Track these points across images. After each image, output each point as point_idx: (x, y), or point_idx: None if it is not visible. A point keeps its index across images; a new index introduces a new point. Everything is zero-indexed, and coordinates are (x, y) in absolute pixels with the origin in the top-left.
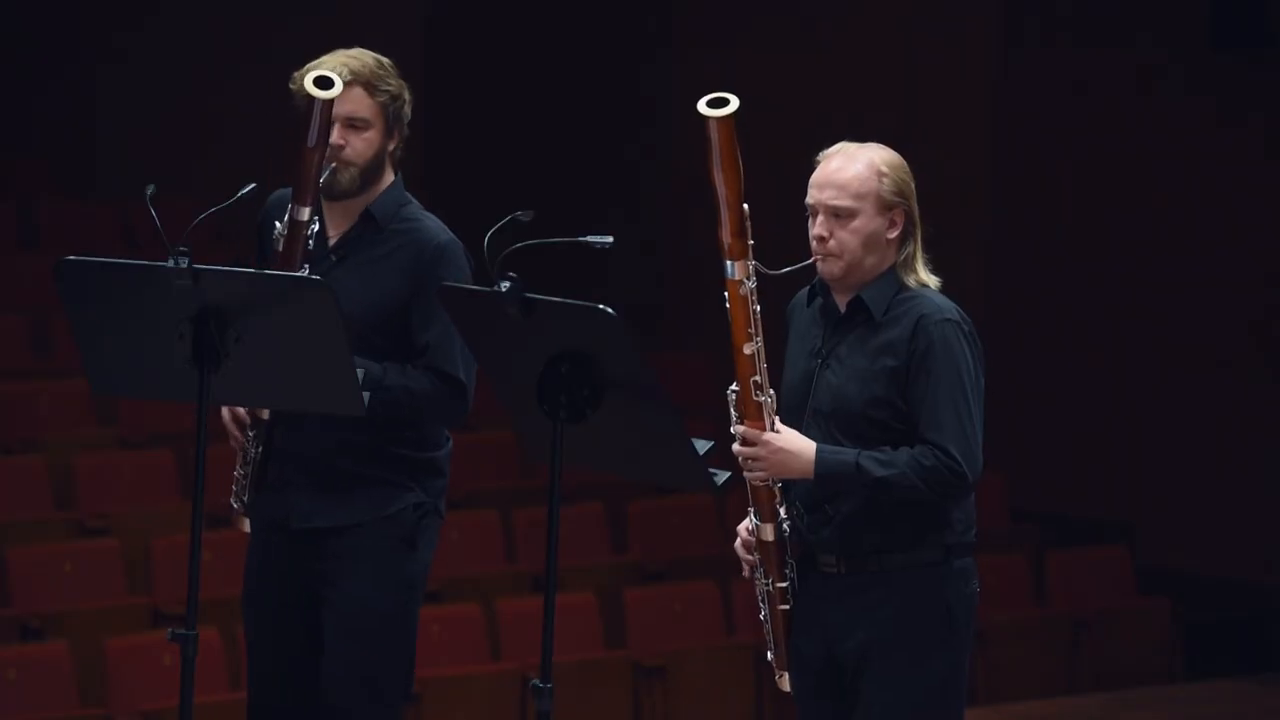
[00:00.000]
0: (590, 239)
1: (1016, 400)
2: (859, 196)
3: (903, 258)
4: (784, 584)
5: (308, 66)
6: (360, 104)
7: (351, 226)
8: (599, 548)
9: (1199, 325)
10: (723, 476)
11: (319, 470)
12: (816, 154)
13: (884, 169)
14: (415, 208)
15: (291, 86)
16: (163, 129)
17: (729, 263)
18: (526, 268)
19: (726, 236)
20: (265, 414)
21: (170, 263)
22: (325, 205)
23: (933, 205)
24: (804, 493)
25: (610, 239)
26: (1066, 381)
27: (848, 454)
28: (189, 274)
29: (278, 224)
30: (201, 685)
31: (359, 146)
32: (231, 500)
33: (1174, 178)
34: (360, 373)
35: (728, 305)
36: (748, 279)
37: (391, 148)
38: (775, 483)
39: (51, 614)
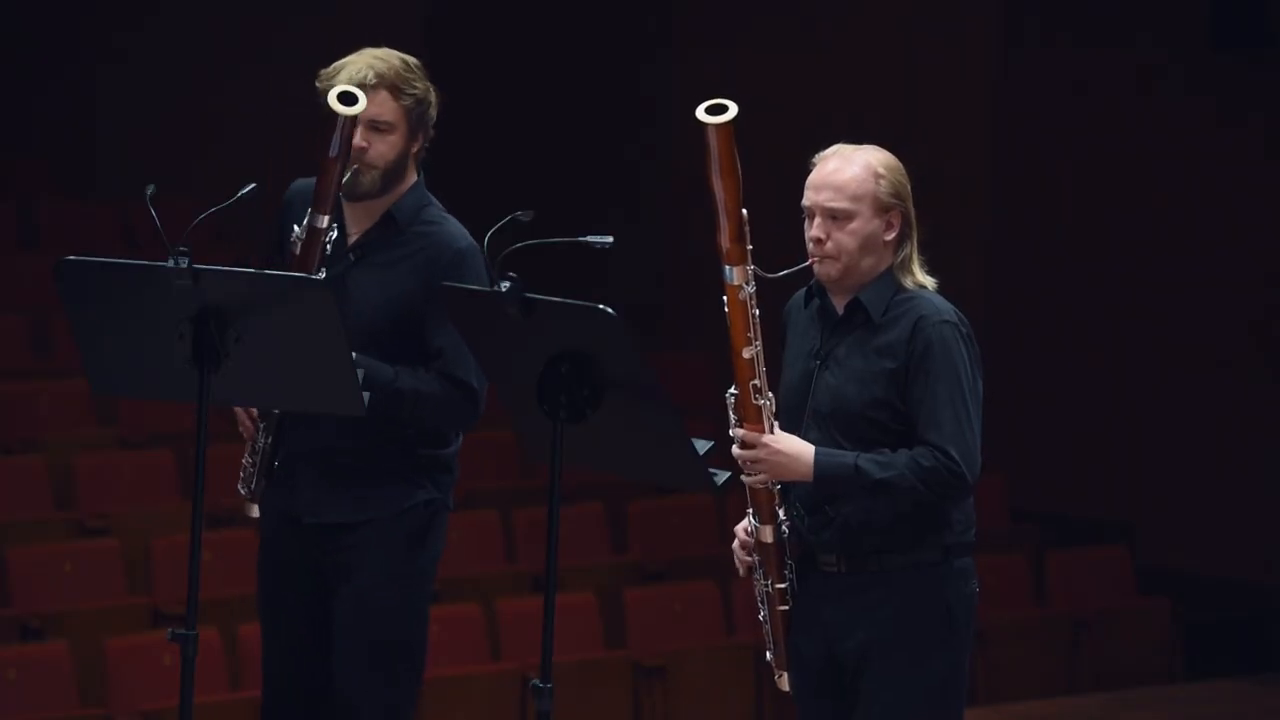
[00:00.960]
0: (590, 239)
1: (1016, 400)
2: (856, 198)
3: (900, 259)
4: (783, 585)
5: (335, 66)
6: (385, 107)
7: (372, 227)
8: (599, 548)
9: (1199, 325)
10: (723, 476)
11: (330, 465)
12: (815, 155)
13: (881, 171)
14: (436, 210)
15: (318, 85)
16: (163, 129)
17: (728, 268)
18: (526, 268)
19: (725, 242)
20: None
21: (170, 263)
22: (346, 205)
23: (933, 205)
24: (804, 494)
25: (610, 239)
26: (1066, 381)
27: (846, 456)
28: (189, 274)
29: (296, 227)
30: (201, 685)
31: (382, 149)
32: (239, 486)
33: (1174, 178)
34: (360, 373)
35: (726, 310)
36: (747, 284)
37: (415, 149)
38: (774, 485)
39: (51, 614)
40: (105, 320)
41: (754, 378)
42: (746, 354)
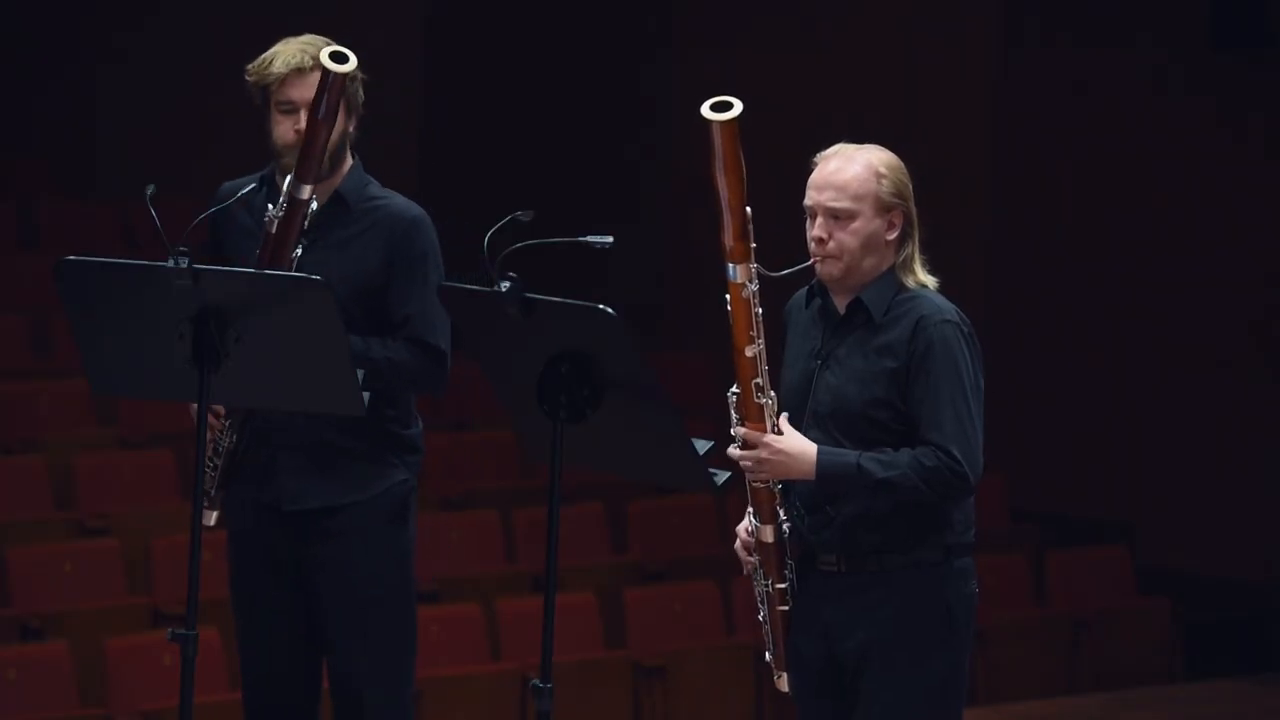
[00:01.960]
0: (590, 239)
1: (1016, 400)
2: (858, 198)
3: (901, 258)
4: (783, 585)
5: (264, 56)
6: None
7: (320, 209)
8: (599, 548)
9: (1199, 325)
10: (723, 476)
11: (307, 450)
12: (816, 155)
13: (882, 170)
14: (377, 186)
15: (249, 77)
16: (163, 129)
17: (731, 266)
18: (526, 268)
19: (729, 240)
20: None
21: (170, 263)
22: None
23: (933, 205)
24: (805, 494)
25: (610, 239)
26: (1066, 381)
27: (849, 456)
28: (189, 274)
29: (270, 206)
30: (201, 685)
31: None
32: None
33: (1174, 178)
34: (360, 373)
35: (729, 308)
36: (750, 282)
37: (351, 129)
38: (775, 484)
39: (51, 614)
40: (105, 320)
41: (756, 376)
42: (749, 352)
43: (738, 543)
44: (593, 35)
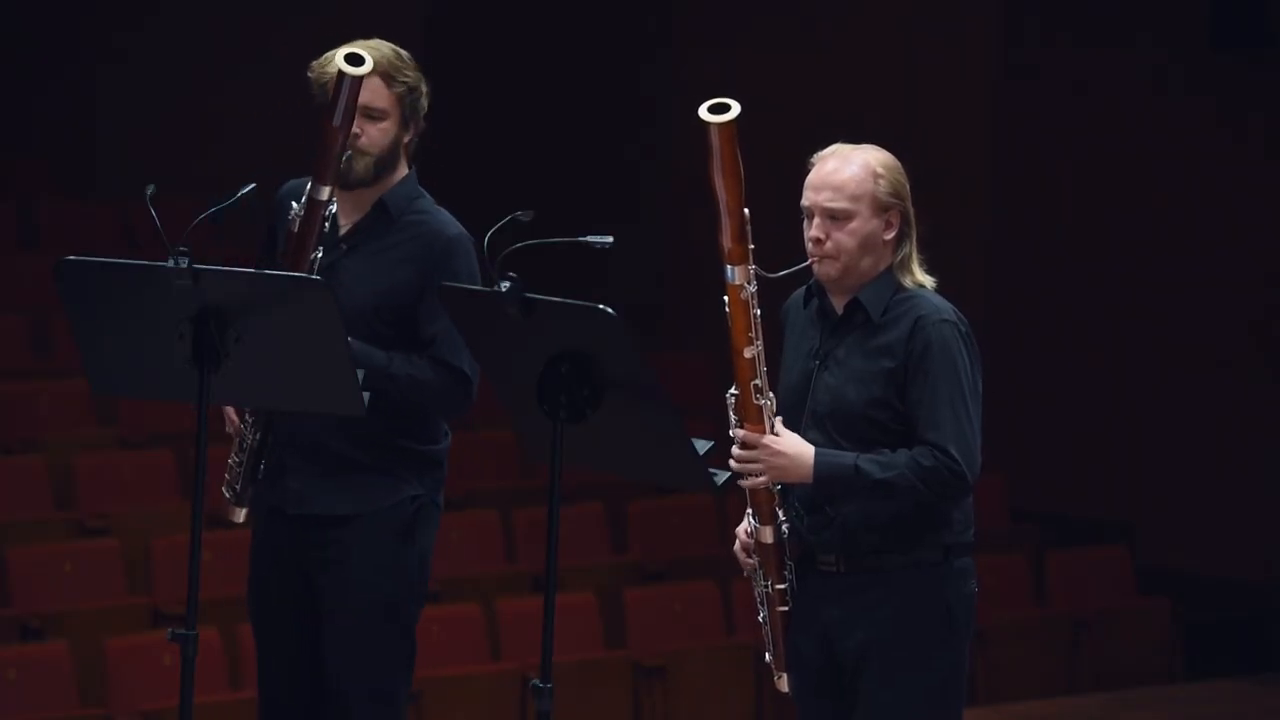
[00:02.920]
0: (590, 239)
1: (1016, 400)
2: (855, 198)
3: (899, 258)
4: (782, 586)
5: (327, 56)
6: (377, 94)
7: (364, 216)
8: (599, 548)
9: (1199, 325)
10: (723, 476)
11: (319, 456)
12: (813, 155)
13: (879, 170)
14: (428, 201)
15: (310, 75)
16: (163, 129)
17: (730, 267)
18: (526, 268)
19: (727, 241)
20: None
21: (170, 263)
22: (338, 194)
23: (933, 205)
24: (804, 495)
25: (610, 239)
26: (1066, 381)
27: (846, 457)
28: (189, 274)
29: (294, 204)
30: (201, 685)
31: (375, 136)
32: (223, 489)
33: (1174, 178)
34: (360, 373)
35: (728, 309)
36: (748, 284)
37: (407, 140)
38: (774, 485)
39: (51, 614)
40: (105, 320)
41: (755, 378)
42: (748, 354)
43: (737, 544)
44: (593, 35)
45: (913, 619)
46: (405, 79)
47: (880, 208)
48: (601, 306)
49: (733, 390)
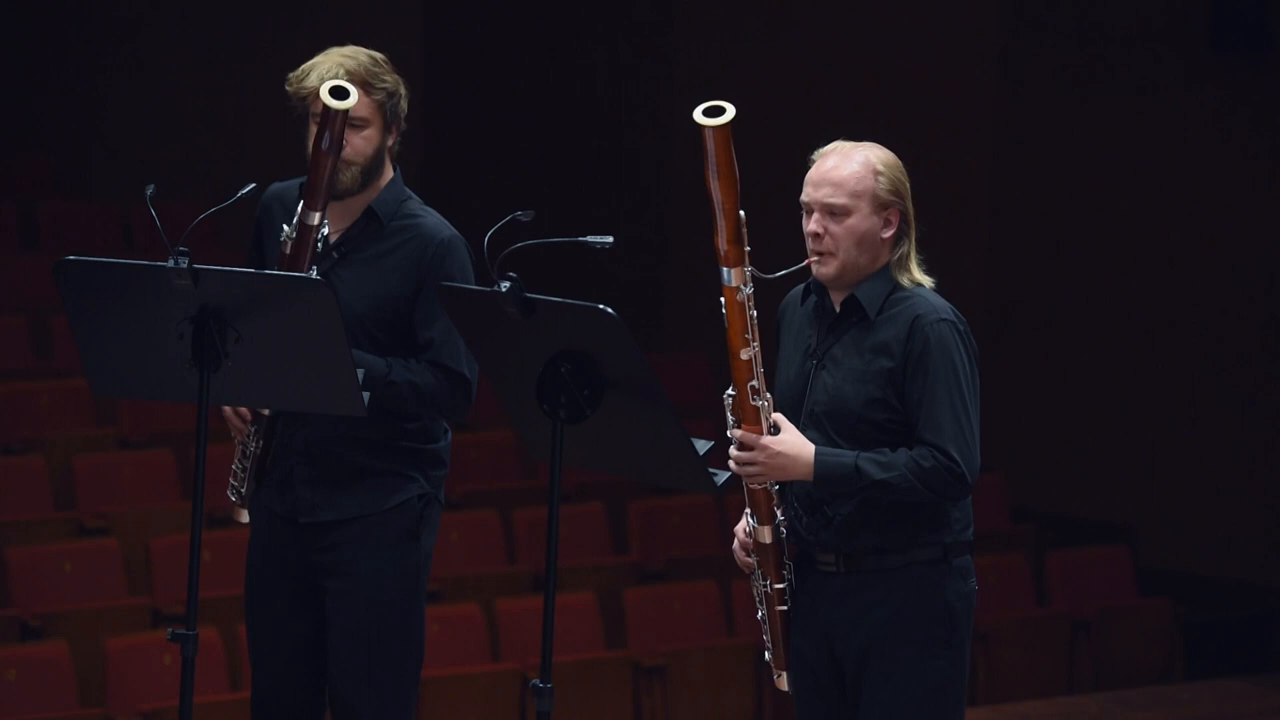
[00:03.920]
0: (590, 239)
1: (1017, 400)
2: (854, 195)
3: (897, 256)
4: (781, 585)
5: (304, 67)
6: (358, 103)
7: (353, 223)
8: (599, 548)
9: (1199, 325)
10: (723, 476)
11: (324, 463)
12: (814, 152)
13: (879, 167)
14: (416, 203)
15: (288, 88)
16: (163, 129)
17: (725, 270)
18: (526, 268)
19: (723, 244)
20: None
21: (170, 263)
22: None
23: (933, 206)
24: (803, 494)
25: (610, 239)
26: (1066, 382)
27: (846, 456)
28: (189, 274)
29: (285, 227)
30: (201, 685)
31: (359, 145)
32: (228, 492)
33: (1174, 178)
34: (360, 373)
35: (724, 311)
36: (744, 285)
37: (390, 144)
38: (772, 485)
39: (51, 614)
40: (105, 320)
41: (752, 379)
42: (744, 355)
43: (736, 543)
44: (593, 35)
45: (912, 619)
46: (383, 85)
47: (879, 205)
48: (601, 306)
49: (730, 391)
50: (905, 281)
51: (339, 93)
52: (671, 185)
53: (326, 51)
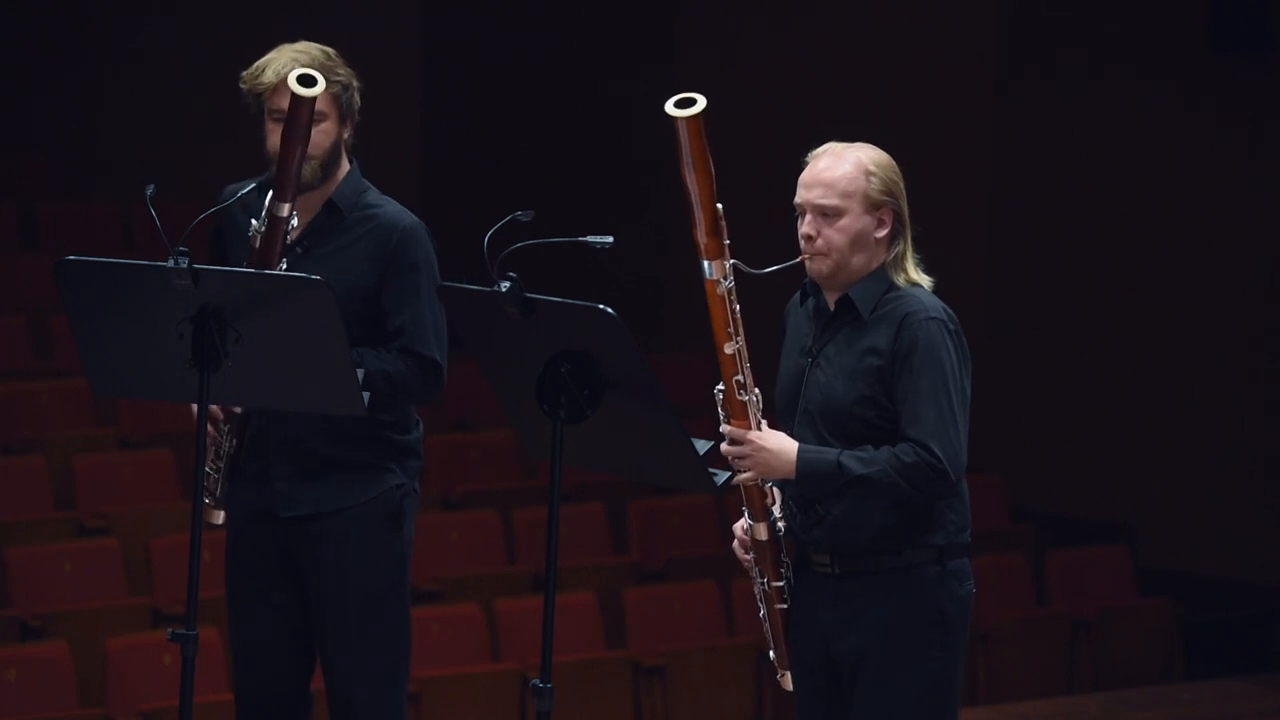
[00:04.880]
0: (590, 239)
1: (1017, 400)
2: (846, 195)
3: (892, 256)
4: (779, 583)
5: (258, 64)
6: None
7: (315, 217)
8: (599, 548)
9: (1199, 325)
10: (722, 477)
11: (302, 457)
12: (807, 154)
13: (871, 168)
14: (375, 194)
15: (243, 85)
16: (164, 129)
17: (705, 263)
18: (526, 268)
19: (701, 236)
20: (238, 408)
21: (170, 263)
22: None
23: (933, 207)
24: (796, 493)
25: (610, 239)
26: (1066, 382)
27: (829, 453)
28: (189, 274)
29: (254, 221)
30: (201, 685)
31: (317, 139)
32: (204, 496)
33: (1174, 179)
34: (360, 373)
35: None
36: (725, 279)
37: (346, 136)
38: (767, 481)
39: (51, 614)
40: (105, 320)
41: (737, 373)
42: (728, 349)
43: (735, 541)
44: (593, 35)
45: (906, 621)
46: (338, 78)
47: (872, 205)
48: (601, 306)
49: (719, 386)
50: (901, 281)
51: (306, 81)
52: (671, 185)
53: (278, 48)
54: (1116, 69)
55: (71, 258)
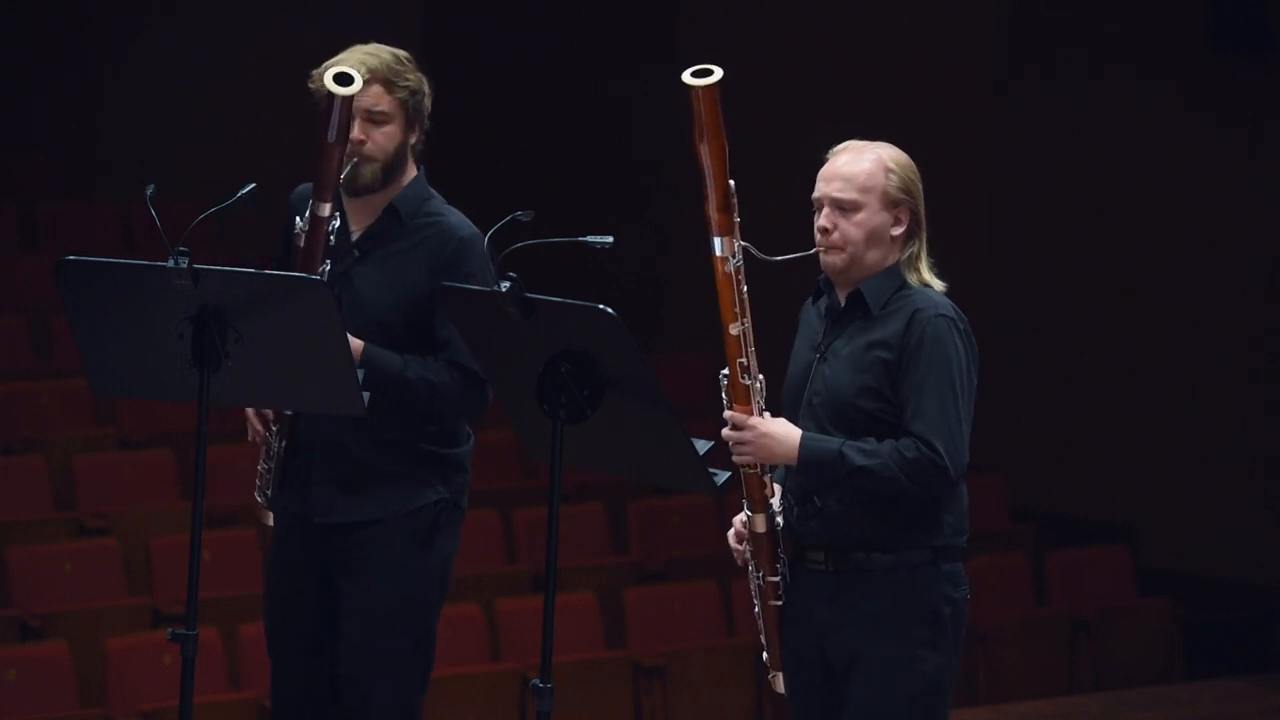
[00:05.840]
0: (590, 239)
1: (1017, 400)
2: (864, 190)
3: (906, 255)
4: (775, 579)
5: (327, 64)
6: (379, 99)
7: (375, 221)
8: (599, 548)
9: (1199, 325)
10: (723, 476)
11: (344, 465)
12: (819, 155)
13: (891, 166)
14: (438, 202)
15: (310, 85)
16: (164, 129)
17: (715, 239)
18: (526, 268)
19: (712, 211)
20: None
21: (170, 263)
22: (347, 201)
23: (933, 205)
24: (794, 485)
25: (610, 239)
26: (1066, 382)
27: (832, 442)
28: (189, 274)
29: (299, 220)
30: (201, 685)
31: (380, 141)
32: (256, 494)
33: (1174, 179)
34: (360, 373)
35: (715, 284)
36: (733, 256)
37: (413, 142)
38: (766, 471)
39: (51, 614)
40: (105, 320)
41: (741, 356)
42: (734, 330)
43: (731, 532)
44: (594, 34)
45: (898, 621)
46: (406, 83)
47: (890, 202)
48: (602, 306)
49: (724, 371)
50: (913, 281)
51: (343, 79)
52: (671, 185)
53: (350, 49)
54: (1116, 69)
55: (71, 258)
